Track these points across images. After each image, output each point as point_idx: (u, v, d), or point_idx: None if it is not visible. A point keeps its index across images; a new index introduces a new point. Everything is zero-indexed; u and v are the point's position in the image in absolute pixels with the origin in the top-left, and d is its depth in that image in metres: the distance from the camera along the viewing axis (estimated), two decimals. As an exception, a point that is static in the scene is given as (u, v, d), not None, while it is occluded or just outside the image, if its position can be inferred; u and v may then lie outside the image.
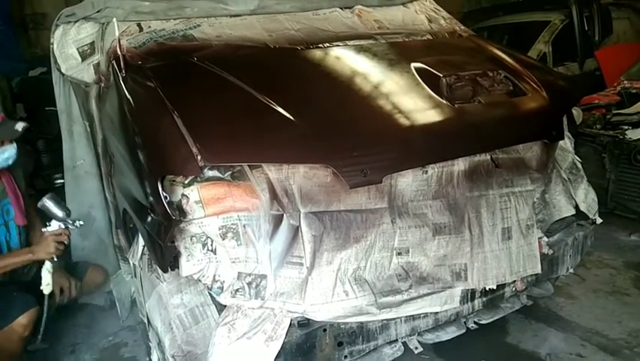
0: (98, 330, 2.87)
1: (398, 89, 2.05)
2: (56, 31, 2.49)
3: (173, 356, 1.74)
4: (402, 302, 1.83)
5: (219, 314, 1.74)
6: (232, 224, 1.67)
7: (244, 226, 1.68)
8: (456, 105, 1.98)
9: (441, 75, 2.08)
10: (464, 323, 2.13)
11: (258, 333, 1.65)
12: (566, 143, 2.43)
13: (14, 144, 2.30)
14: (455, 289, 1.93)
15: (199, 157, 1.56)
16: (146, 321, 2.04)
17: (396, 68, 2.17)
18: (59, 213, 2.20)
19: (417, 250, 1.88)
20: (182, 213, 1.65)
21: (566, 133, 2.40)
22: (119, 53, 2.05)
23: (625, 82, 4.58)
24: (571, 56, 5.53)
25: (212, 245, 1.68)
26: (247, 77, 1.93)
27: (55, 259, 2.26)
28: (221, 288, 1.68)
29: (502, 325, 2.59)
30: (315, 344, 1.75)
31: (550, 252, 2.20)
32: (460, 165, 1.95)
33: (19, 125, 2.27)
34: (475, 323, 2.16)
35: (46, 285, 2.26)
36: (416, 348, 2.04)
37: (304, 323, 1.72)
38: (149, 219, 1.67)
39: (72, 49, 2.45)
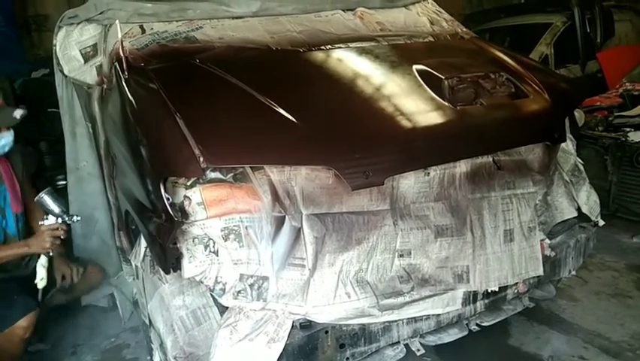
0: (99, 331, 2.88)
1: (400, 91, 2.05)
2: (59, 32, 2.50)
3: (175, 358, 1.75)
4: (404, 304, 1.83)
5: (221, 316, 1.74)
6: (234, 226, 1.67)
7: (246, 228, 1.68)
8: (458, 107, 1.98)
9: (443, 77, 2.08)
10: (466, 325, 2.12)
11: (260, 335, 1.65)
12: (568, 145, 2.43)
13: (11, 131, 2.30)
14: (457, 291, 1.93)
15: (201, 159, 1.56)
16: (148, 322, 2.04)
17: (398, 70, 2.17)
18: (56, 208, 2.20)
19: (419, 252, 1.88)
20: (185, 214, 1.66)
21: (568, 135, 2.40)
22: (122, 54, 2.05)
23: (627, 84, 4.58)
24: (573, 58, 5.52)
25: (214, 247, 1.68)
26: (249, 79, 1.93)
27: (51, 254, 2.26)
28: (224, 290, 1.68)
29: (504, 327, 2.59)
30: (317, 346, 1.75)
31: (553, 254, 2.19)
32: (462, 167, 1.95)
33: (17, 113, 2.26)
34: (477, 325, 2.15)
35: (40, 280, 2.25)
36: (418, 350, 2.03)
37: (306, 325, 1.73)
38: (152, 220, 1.68)
39: (75, 50, 2.45)
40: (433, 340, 2.05)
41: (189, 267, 1.66)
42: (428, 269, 1.89)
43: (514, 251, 2.04)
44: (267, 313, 1.70)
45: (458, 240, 1.92)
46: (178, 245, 1.65)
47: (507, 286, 2.04)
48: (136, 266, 2.17)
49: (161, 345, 1.86)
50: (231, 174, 1.71)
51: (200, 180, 1.68)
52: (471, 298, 1.97)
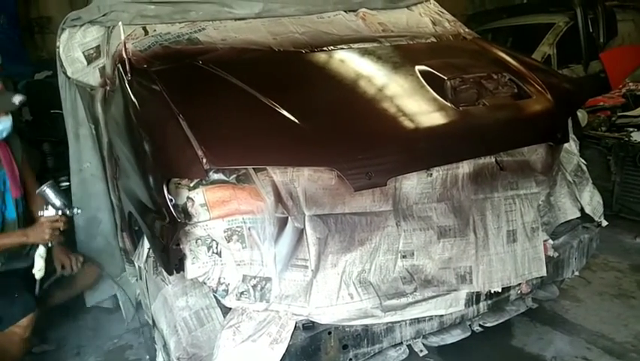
0: (103, 332, 2.88)
1: (402, 92, 2.05)
2: (62, 34, 2.50)
3: (178, 358, 1.75)
4: (407, 305, 1.83)
5: (224, 317, 1.74)
6: (237, 227, 1.67)
7: (249, 229, 1.68)
8: (460, 108, 1.97)
9: (445, 78, 2.08)
10: (469, 325, 2.12)
11: (262, 336, 1.65)
12: (571, 145, 2.42)
13: (9, 116, 2.29)
14: (460, 292, 1.93)
15: (204, 160, 1.56)
16: (151, 323, 2.04)
17: (400, 71, 2.17)
18: (57, 201, 2.19)
19: (422, 253, 1.88)
20: (188, 215, 1.66)
21: (571, 135, 2.40)
22: (125, 56, 2.06)
23: (630, 84, 4.57)
24: (575, 58, 5.51)
25: (217, 248, 1.68)
26: (252, 80, 1.94)
27: (50, 245, 2.25)
28: (226, 291, 1.68)
29: (507, 328, 2.58)
30: (319, 347, 1.74)
31: (556, 254, 2.19)
32: (464, 167, 1.94)
33: (17, 99, 2.26)
34: (480, 325, 2.15)
35: (38, 270, 2.25)
36: (421, 351, 2.03)
37: (309, 326, 1.72)
38: (155, 221, 1.68)
39: (78, 52, 2.46)
40: (435, 341, 2.05)
41: (192, 268, 1.66)
42: (431, 270, 1.89)
43: (517, 252, 2.03)
44: (270, 315, 1.70)
45: (461, 241, 1.92)
46: (181, 246, 1.66)
47: (510, 286, 2.04)
48: (139, 267, 2.17)
49: (165, 346, 1.86)
50: (234, 176, 1.72)
51: (203, 182, 1.68)
52: (474, 299, 1.97)
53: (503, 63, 2.40)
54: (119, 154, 2.19)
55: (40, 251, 2.24)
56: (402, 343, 1.96)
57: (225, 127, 1.74)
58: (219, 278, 1.68)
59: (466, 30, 2.87)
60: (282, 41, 2.33)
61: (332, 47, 2.33)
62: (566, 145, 2.30)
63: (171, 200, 1.60)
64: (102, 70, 2.37)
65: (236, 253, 1.67)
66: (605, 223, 2.42)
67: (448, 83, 2.06)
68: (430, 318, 1.91)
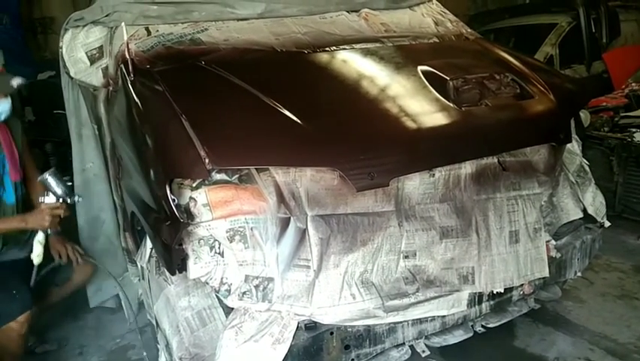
0: (106, 332, 2.89)
1: (405, 92, 2.05)
2: (65, 35, 2.51)
3: (180, 358, 1.75)
4: (409, 305, 1.83)
5: (227, 317, 1.75)
6: (239, 227, 1.68)
7: (251, 229, 1.68)
8: (463, 108, 1.97)
9: (448, 78, 2.08)
10: (471, 326, 2.12)
11: (265, 336, 1.65)
12: (574, 146, 2.42)
13: (9, 99, 2.28)
14: (462, 293, 1.93)
15: (207, 160, 1.56)
16: (154, 323, 2.05)
17: (402, 71, 2.17)
18: (59, 190, 2.17)
19: (424, 253, 1.88)
20: (190, 216, 1.66)
21: (574, 136, 2.39)
22: (128, 56, 2.06)
23: (633, 84, 4.56)
24: (578, 58, 5.50)
25: (219, 248, 1.68)
26: (254, 81, 1.94)
27: (49, 232, 2.25)
28: (229, 291, 1.68)
29: (509, 328, 2.58)
30: (322, 347, 1.75)
31: (558, 255, 2.19)
32: (467, 168, 1.94)
33: (15, 81, 2.25)
34: (482, 326, 2.15)
35: (37, 256, 2.24)
36: (423, 352, 2.03)
37: (311, 326, 1.73)
38: (157, 222, 1.68)
39: (81, 53, 2.46)
40: (438, 341, 2.05)
41: (195, 268, 1.67)
42: (433, 270, 1.89)
43: (520, 252, 2.03)
44: (272, 315, 1.70)
45: (463, 241, 1.92)
46: (183, 246, 1.66)
47: (512, 287, 2.04)
48: (141, 267, 2.18)
49: (167, 346, 1.86)
50: (237, 176, 1.72)
51: (206, 182, 1.68)
52: (476, 299, 1.97)
53: (506, 63, 2.40)
54: (122, 154, 2.20)
55: (39, 237, 2.23)
56: (404, 343, 1.96)
57: (228, 127, 1.74)
58: (222, 278, 1.68)
59: (469, 30, 2.87)
60: (284, 42, 2.34)
61: (334, 48, 2.34)
62: (568, 146, 2.30)
63: (174, 200, 1.60)
64: (105, 70, 2.38)
65: (239, 253, 1.67)
66: (607, 224, 2.42)
67: (451, 83, 2.06)
68: (433, 319, 1.91)
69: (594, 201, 2.38)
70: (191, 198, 1.67)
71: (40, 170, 2.37)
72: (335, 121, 1.84)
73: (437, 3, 3.07)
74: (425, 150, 1.85)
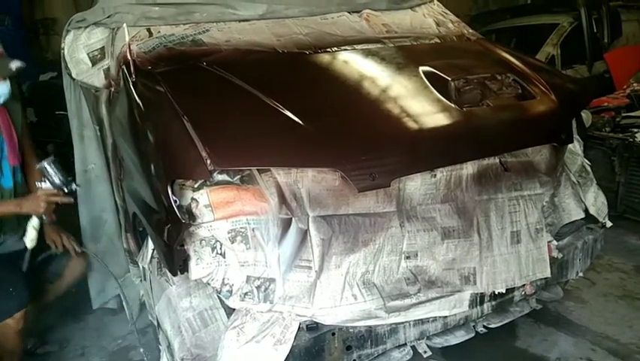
0: (107, 333, 2.89)
1: (406, 93, 2.05)
2: (67, 36, 2.51)
3: (182, 359, 1.75)
4: (410, 306, 1.83)
5: (228, 318, 1.75)
6: (241, 228, 1.68)
7: (253, 230, 1.68)
8: (464, 109, 1.97)
9: (449, 79, 2.08)
10: (473, 326, 2.12)
11: (266, 337, 1.65)
12: (575, 146, 2.42)
13: (7, 81, 2.26)
14: (464, 293, 1.93)
15: (208, 161, 1.57)
16: (155, 324, 2.05)
17: (404, 72, 2.17)
18: (57, 179, 2.16)
19: (425, 254, 1.88)
20: (192, 216, 1.66)
21: (575, 136, 2.39)
22: (129, 57, 2.06)
23: (634, 84, 4.56)
24: (580, 58, 5.50)
25: (221, 249, 1.69)
26: (256, 82, 1.94)
27: (45, 218, 2.24)
28: (230, 291, 1.68)
29: (511, 329, 2.58)
30: (323, 348, 1.75)
31: (560, 256, 2.19)
32: (468, 168, 1.94)
33: (14, 64, 2.23)
34: (484, 326, 2.15)
35: (30, 240, 2.23)
36: (425, 352, 2.03)
37: (313, 327, 1.73)
38: (159, 222, 1.68)
39: (82, 54, 2.47)
40: (439, 342, 2.05)
41: (196, 269, 1.67)
42: (435, 271, 1.88)
43: (522, 253, 2.03)
44: (274, 315, 1.70)
45: (465, 242, 1.92)
46: (185, 247, 1.66)
47: (514, 287, 2.04)
48: (143, 268, 2.18)
49: (169, 346, 1.87)
50: (238, 177, 1.72)
51: (208, 183, 1.68)
52: (478, 300, 1.96)
53: (507, 64, 2.40)
54: (124, 155, 2.20)
55: (34, 222, 2.22)
56: (406, 344, 1.96)
57: (229, 128, 1.75)
58: (223, 279, 1.68)
59: (470, 31, 2.87)
60: (285, 42, 2.34)
61: (336, 48, 2.34)
62: (570, 146, 2.30)
63: (175, 201, 1.61)
64: (107, 71, 2.38)
65: (240, 253, 1.68)
66: (609, 224, 2.42)
67: (452, 84, 2.06)
68: (434, 319, 1.91)
69: (596, 201, 2.38)
70: (192, 199, 1.67)
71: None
72: (336, 122, 1.85)
73: (438, 3, 3.07)
74: (426, 150, 1.85)
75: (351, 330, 1.78)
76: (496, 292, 1.99)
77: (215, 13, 2.42)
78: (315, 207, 1.72)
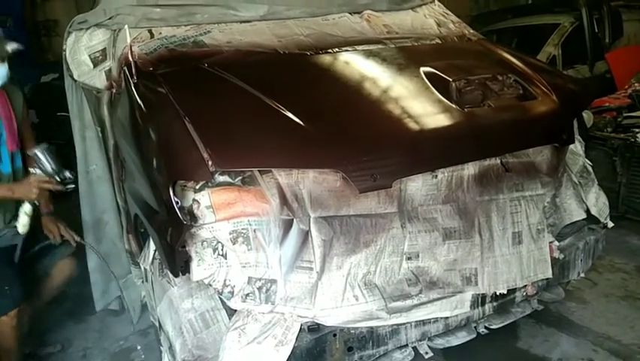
0: (109, 334, 2.89)
1: (407, 94, 2.05)
2: (68, 38, 2.52)
3: (183, 360, 1.75)
4: (412, 307, 1.83)
5: (230, 319, 1.75)
6: (242, 229, 1.68)
7: (254, 231, 1.68)
8: (465, 109, 1.97)
9: (450, 79, 2.08)
10: (475, 327, 2.12)
11: (268, 338, 1.65)
12: (577, 146, 2.42)
13: (5, 64, 2.24)
14: (465, 294, 1.93)
15: (210, 162, 1.57)
16: (157, 325, 2.05)
17: (405, 73, 2.17)
18: (48, 167, 2.14)
19: (427, 255, 1.88)
20: (193, 218, 1.66)
21: (577, 137, 2.39)
22: (131, 59, 2.07)
23: (636, 84, 4.56)
24: (581, 58, 5.49)
25: (222, 250, 1.69)
26: (257, 83, 1.94)
27: (37, 203, 2.23)
28: (232, 293, 1.68)
29: (512, 330, 2.58)
30: (325, 349, 1.75)
31: (562, 256, 2.18)
32: (470, 169, 1.94)
33: (10, 46, 2.21)
34: (485, 327, 2.15)
35: (22, 225, 2.23)
36: (426, 353, 2.03)
37: (314, 328, 1.73)
38: (161, 224, 1.69)
39: (84, 55, 2.47)
40: (441, 343, 2.05)
41: (198, 270, 1.67)
42: (436, 272, 1.88)
43: (523, 253, 2.03)
44: (275, 316, 1.70)
45: (466, 242, 1.92)
46: (187, 248, 1.66)
47: (515, 288, 2.04)
48: (145, 269, 2.18)
49: (170, 348, 1.87)
50: (240, 178, 1.72)
51: (209, 184, 1.68)
52: (479, 300, 1.96)
53: (508, 64, 2.40)
54: (125, 156, 2.21)
55: (26, 208, 2.21)
56: (407, 345, 1.96)
57: (231, 129, 1.75)
58: (225, 280, 1.68)
59: (471, 31, 2.87)
60: (286, 43, 2.34)
61: (337, 49, 2.34)
62: (571, 146, 2.29)
63: (177, 202, 1.61)
64: (108, 73, 2.38)
65: (242, 255, 1.68)
66: (611, 225, 2.41)
67: (453, 84, 2.06)
68: (436, 320, 1.91)
69: (597, 201, 2.38)
70: (194, 200, 1.67)
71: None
72: (337, 123, 1.85)
73: (439, 4, 3.07)
74: (428, 151, 1.86)
75: (352, 331, 1.78)
76: (498, 293, 1.99)
77: (217, 14, 2.42)
78: (317, 208, 1.72)
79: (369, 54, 2.33)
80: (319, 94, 2.04)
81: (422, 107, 1.97)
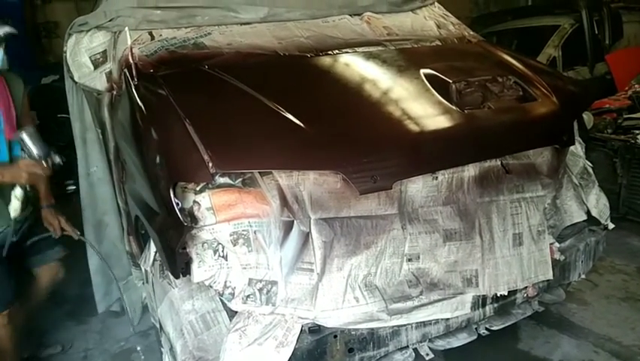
0: (110, 335, 2.89)
1: (407, 96, 2.05)
2: (69, 39, 2.52)
3: (184, 362, 1.75)
4: (412, 308, 1.83)
5: (230, 320, 1.75)
6: (243, 230, 1.68)
7: (255, 233, 1.68)
8: (466, 111, 1.97)
9: (450, 81, 2.08)
10: (475, 329, 2.11)
11: (268, 339, 1.65)
12: (577, 148, 2.42)
13: (0, 50, 2.21)
14: (466, 296, 1.92)
15: (210, 164, 1.57)
16: (158, 326, 2.05)
17: (405, 75, 2.17)
18: (34, 151, 2.10)
19: (427, 256, 1.88)
20: (194, 219, 1.67)
21: (577, 138, 2.39)
22: (131, 61, 2.07)
23: (636, 86, 4.55)
24: (581, 60, 5.49)
25: (223, 251, 1.69)
26: (257, 85, 1.95)
27: (28, 188, 2.21)
28: (233, 294, 1.68)
29: (513, 331, 2.58)
30: (325, 351, 1.75)
31: (562, 258, 2.18)
32: (470, 170, 1.94)
33: (3, 30, 2.18)
34: (486, 329, 2.14)
35: (14, 210, 2.21)
36: (427, 354, 2.03)
37: (315, 329, 1.73)
38: (161, 225, 1.69)
39: (85, 57, 2.48)
40: (441, 344, 2.05)
41: (198, 271, 1.67)
42: (437, 273, 1.88)
43: (524, 255, 2.03)
44: (276, 318, 1.70)
45: (467, 244, 1.92)
46: (187, 250, 1.66)
47: (516, 290, 2.03)
48: (145, 271, 2.18)
49: (171, 349, 1.87)
50: (240, 179, 1.72)
51: (210, 185, 1.68)
52: (480, 302, 1.96)
53: (508, 66, 2.40)
54: (126, 158, 2.21)
55: (17, 192, 2.19)
56: (408, 346, 1.95)
57: (231, 131, 1.75)
58: (225, 282, 1.68)
59: (471, 33, 2.87)
60: (287, 45, 2.34)
61: (337, 51, 2.34)
62: (571, 148, 2.29)
63: (178, 204, 1.61)
64: (109, 75, 2.39)
65: (242, 256, 1.68)
66: (611, 226, 2.41)
67: (453, 86, 2.06)
68: (436, 321, 1.91)
69: (598, 203, 2.38)
70: (194, 201, 1.68)
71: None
72: (338, 124, 1.85)
73: (439, 6, 3.07)
74: (428, 152, 1.86)
75: (353, 333, 1.78)
76: (499, 295, 1.98)
77: (217, 16, 2.42)
78: (317, 209, 1.73)
79: (369, 56, 2.33)
80: (319, 96, 2.04)
81: (422, 109, 1.97)
